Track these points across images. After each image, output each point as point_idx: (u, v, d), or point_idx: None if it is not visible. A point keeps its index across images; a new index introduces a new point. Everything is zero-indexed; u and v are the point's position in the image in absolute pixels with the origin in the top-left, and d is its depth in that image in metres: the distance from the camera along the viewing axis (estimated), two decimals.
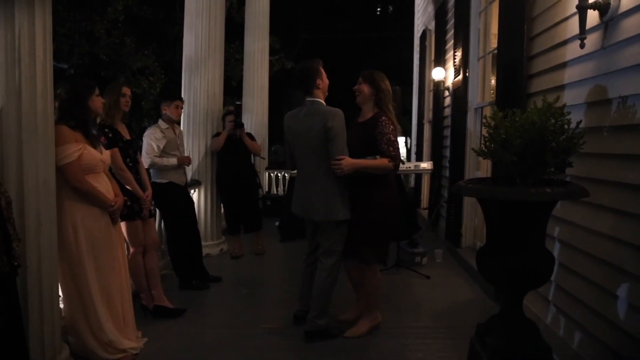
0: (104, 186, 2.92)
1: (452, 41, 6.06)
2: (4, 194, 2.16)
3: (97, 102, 2.97)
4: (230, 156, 5.28)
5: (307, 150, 3.19)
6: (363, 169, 3.10)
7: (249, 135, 5.48)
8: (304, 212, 3.25)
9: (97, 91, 2.96)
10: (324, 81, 3.26)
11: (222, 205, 5.62)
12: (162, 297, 3.66)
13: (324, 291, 3.22)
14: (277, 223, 6.54)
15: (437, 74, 6.48)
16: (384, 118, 3.13)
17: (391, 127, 3.11)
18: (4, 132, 2.35)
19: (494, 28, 4.74)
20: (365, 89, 3.22)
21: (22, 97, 2.36)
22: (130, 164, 3.49)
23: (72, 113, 2.80)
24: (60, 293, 2.80)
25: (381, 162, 3.08)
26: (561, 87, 2.99)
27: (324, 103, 3.24)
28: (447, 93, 6.32)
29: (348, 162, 3.05)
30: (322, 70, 3.27)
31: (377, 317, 3.37)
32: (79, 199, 2.80)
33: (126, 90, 3.51)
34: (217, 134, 5.35)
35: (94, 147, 2.89)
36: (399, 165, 3.14)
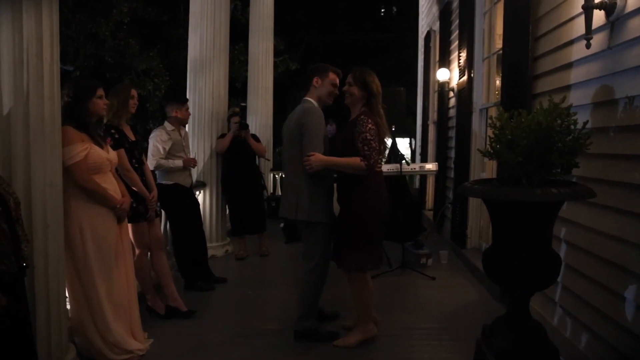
0: (111, 186, 2.93)
1: (456, 42, 6.06)
2: (13, 194, 2.17)
3: (99, 105, 2.92)
4: (235, 157, 5.29)
5: (286, 148, 3.26)
6: (333, 166, 3.07)
7: (254, 136, 5.49)
8: (280, 210, 3.27)
9: (98, 93, 2.91)
10: (323, 83, 3.20)
11: (227, 206, 5.63)
12: (175, 297, 3.68)
13: (305, 293, 3.21)
14: (281, 224, 6.54)
15: (441, 74, 6.48)
16: (363, 117, 3.03)
17: (369, 125, 2.97)
18: (12, 133, 2.37)
19: (499, 29, 4.72)
20: (356, 91, 3.11)
21: (29, 98, 2.38)
22: (136, 165, 3.51)
23: (72, 115, 2.81)
24: (67, 294, 2.82)
25: (353, 160, 2.97)
26: (567, 88, 2.98)
27: (314, 103, 3.20)
28: (451, 94, 6.31)
29: (317, 158, 3.01)
30: (330, 75, 3.20)
31: (370, 329, 3.19)
32: (85, 199, 2.82)
33: (134, 92, 3.54)
34: (222, 136, 5.36)
35: (100, 146, 2.90)
36: (372, 165, 2.96)
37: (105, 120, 3.39)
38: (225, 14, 5.53)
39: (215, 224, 5.46)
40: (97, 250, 2.83)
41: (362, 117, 3.04)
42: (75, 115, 2.82)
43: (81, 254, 2.80)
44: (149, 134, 4.38)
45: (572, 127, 2.29)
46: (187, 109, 4.38)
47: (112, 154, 3.04)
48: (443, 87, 6.68)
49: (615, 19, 2.45)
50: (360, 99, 3.12)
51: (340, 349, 3.14)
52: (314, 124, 3.09)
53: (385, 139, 3.19)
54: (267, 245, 5.64)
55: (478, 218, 5.21)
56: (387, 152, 3.57)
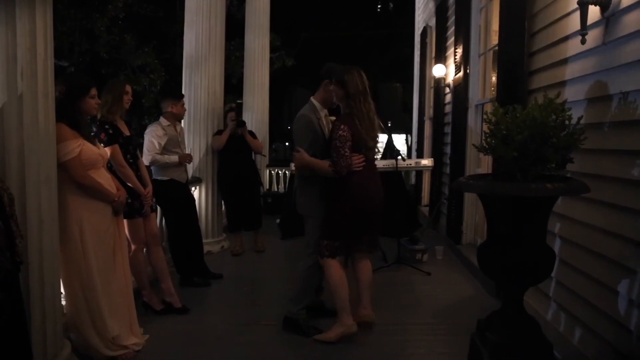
0: (105, 181, 2.94)
1: (452, 38, 6.05)
2: (7, 190, 2.16)
3: (90, 104, 2.93)
4: (232, 154, 5.29)
5: None
6: (308, 166, 3.17)
7: (251, 133, 5.48)
8: None
9: (91, 93, 2.91)
10: (331, 87, 3.19)
11: (223, 202, 5.63)
12: (171, 292, 3.69)
13: (300, 279, 3.35)
14: (277, 220, 6.55)
15: (437, 70, 6.48)
16: (336, 122, 3.10)
17: (339, 132, 3.03)
18: (6, 129, 2.35)
19: (495, 25, 4.73)
20: (337, 90, 3.14)
21: (23, 94, 2.36)
22: (131, 161, 3.50)
23: (64, 113, 2.79)
24: (62, 290, 2.81)
25: (323, 164, 3.09)
26: (562, 83, 2.98)
27: (316, 104, 3.32)
28: (447, 90, 6.32)
29: (300, 156, 3.17)
30: (346, 79, 3.08)
31: (348, 325, 3.15)
32: (82, 195, 2.82)
33: (129, 88, 3.54)
34: (219, 132, 5.35)
35: (92, 143, 2.91)
36: (339, 171, 3.03)
37: (99, 116, 3.38)
38: (221, 10, 5.51)
39: (211, 220, 5.46)
40: (95, 245, 2.83)
41: (336, 122, 3.12)
42: (67, 113, 2.80)
43: (80, 250, 2.80)
44: (145, 129, 4.36)
45: (567, 122, 2.29)
46: (183, 104, 4.37)
47: (104, 150, 3.06)
48: (439, 83, 6.68)
49: (610, 15, 2.45)
50: (343, 98, 3.14)
51: (339, 344, 3.13)
52: (299, 131, 3.27)
53: (373, 137, 3.17)
54: (262, 241, 5.64)
55: (473, 213, 5.22)
56: (377, 148, 3.52)
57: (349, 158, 3.05)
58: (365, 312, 3.31)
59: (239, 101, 5.35)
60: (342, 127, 3.06)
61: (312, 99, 3.36)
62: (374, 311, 3.35)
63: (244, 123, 5.34)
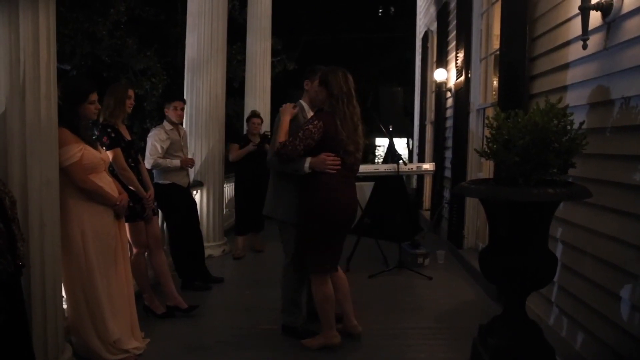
0: (107, 184, 2.94)
1: (454, 42, 6.07)
2: (8, 194, 2.17)
3: (90, 110, 2.92)
4: (252, 161, 5.33)
5: None
6: (280, 120, 3.12)
7: (266, 137, 5.53)
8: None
9: (91, 98, 2.89)
10: (312, 86, 3.19)
11: (235, 205, 5.68)
12: (174, 295, 3.68)
13: (283, 290, 3.31)
14: None
15: (439, 75, 6.49)
16: (314, 116, 3.05)
17: (309, 126, 2.92)
18: (8, 132, 2.36)
19: (496, 29, 4.74)
20: (320, 91, 3.06)
21: (26, 97, 2.37)
22: (132, 164, 3.51)
23: (63, 117, 2.79)
24: (64, 293, 2.81)
25: (282, 134, 3.02)
26: (564, 88, 2.99)
27: (304, 105, 3.27)
28: (449, 94, 6.32)
29: (290, 109, 3.12)
30: (330, 79, 3.00)
31: (331, 337, 3.09)
32: (84, 199, 2.82)
33: (131, 92, 3.55)
34: (236, 139, 5.43)
35: (93, 147, 2.91)
36: (280, 151, 2.94)
37: (101, 120, 3.39)
38: (222, 14, 5.52)
39: (213, 223, 5.46)
40: (97, 249, 2.83)
41: (315, 115, 3.09)
42: (66, 118, 2.80)
43: (82, 254, 2.80)
44: (147, 133, 4.36)
45: (569, 127, 2.30)
46: (177, 107, 4.20)
47: (105, 154, 3.07)
48: (440, 88, 6.69)
49: (612, 20, 2.46)
50: (326, 98, 3.04)
51: (339, 348, 3.12)
52: (277, 123, 3.18)
53: (355, 142, 3.00)
54: (260, 242, 5.72)
55: (475, 218, 5.22)
56: (359, 156, 3.36)
57: (296, 152, 2.92)
58: (351, 324, 3.27)
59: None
60: (316, 122, 2.93)
61: (301, 100, 3.30)
62: (373, 315, 3.36)
63: (268, 137, 5.40)
